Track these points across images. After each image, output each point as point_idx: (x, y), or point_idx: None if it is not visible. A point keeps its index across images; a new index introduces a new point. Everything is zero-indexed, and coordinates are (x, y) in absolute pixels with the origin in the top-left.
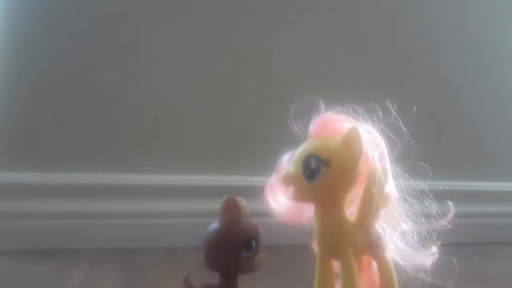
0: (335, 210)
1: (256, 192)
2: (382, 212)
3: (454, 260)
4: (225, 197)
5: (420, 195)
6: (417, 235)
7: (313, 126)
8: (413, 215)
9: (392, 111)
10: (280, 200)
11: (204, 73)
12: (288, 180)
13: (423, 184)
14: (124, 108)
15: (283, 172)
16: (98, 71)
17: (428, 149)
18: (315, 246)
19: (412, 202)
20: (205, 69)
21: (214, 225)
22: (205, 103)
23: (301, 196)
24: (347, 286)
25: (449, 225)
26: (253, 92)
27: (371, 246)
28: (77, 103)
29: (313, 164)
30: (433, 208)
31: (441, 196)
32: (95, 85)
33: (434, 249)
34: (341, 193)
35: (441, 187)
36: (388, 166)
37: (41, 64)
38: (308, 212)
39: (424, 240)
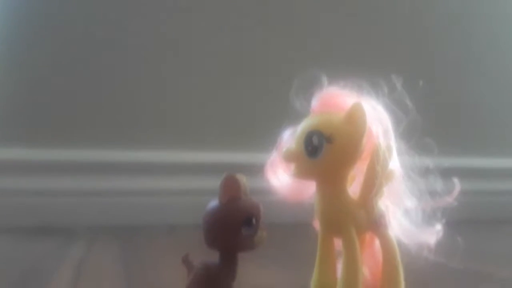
0: (338, 187)
1: (257, 170)
2: (385, 189)
3: (459, 238)
4: (225, 175)
5: (425, 172)
6: (421, 213)
7: (315, 102)
8: (418, 193)
9: (398, 85)
10: (281, 178)
11: (202, 49)
12: (289, 157)
13: (428, 161)
14: (123, 84)
15: (284, 149)
16: (99, 45)
17: (434, 125)
18: (316, 224)
19: (417, 179)
20: (204, 45)
21: (214, 203)
22: (204, 80)
23: (302, 173)
24: (349, 264)
25: (454, 202)
26: (254, 67)
27: (374, 224)
28: (78, 80)
29: (315, 140)
30: (438, 185)
31: (446, 173)
32: (94, 60)
33: (438, 227)
34: (344, 170)
35: (446, 164)
36: (393, 143)
37: (44, 37)
38: (309, 190)
39: (428, 218)
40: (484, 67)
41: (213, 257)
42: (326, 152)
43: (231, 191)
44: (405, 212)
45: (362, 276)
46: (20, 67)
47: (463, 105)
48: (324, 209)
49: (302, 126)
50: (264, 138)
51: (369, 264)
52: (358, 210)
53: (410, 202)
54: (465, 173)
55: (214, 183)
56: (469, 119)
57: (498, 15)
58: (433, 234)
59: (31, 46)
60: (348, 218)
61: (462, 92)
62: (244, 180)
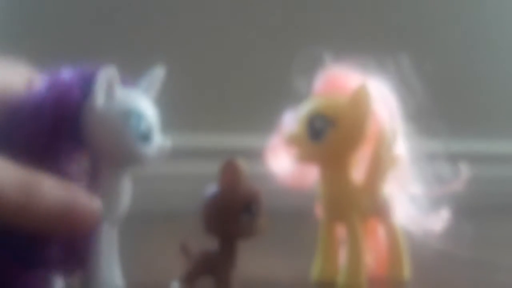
0: (341, 172)
1: (257, 154)
2: (391, 174)
3: (467, 225)
4: (225, 161)
5: (433, 156)
6: (428, 199)
7: (318, 83)
8: (424, 178)
9: (405, 64)
10: (282, 163)
11: (199, 29)
12: (291, 141)
13: (436, 145)
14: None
15: (286, 132)
16: None
17: (443, 106)
18: (318, 211)
19: (424, 164)
20: (201, 25)
21: (213, 188)
22: (201, 60)
23: (305, 157)
24: (353, 251)
25: (462, 188)
26: (253, 46)
27: (378, 210)
28: None
29: (318, 123)
30: (446, 170)
31: (455, 157)
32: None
33: (445, 213)
34: (348, 154)
35: (456, 148)
36: (399, 126)
37: None
38: (311, 175)
39: (435, 205)
40: (499, 47)
41: (212, 244)
42: (330, 136)
43: (231, 177)
44: (411, 198)
45: (365, 263)
46: None
47: (474, 85)
48: (327, 195)
49: (305, 109)
50: (265, 120)
51: (373, 251)
52: (362, 196)
53: (417, 188)
54: (475, 158)
55: (214, 167)
56: (480, 101)
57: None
58: (439, 221)
59: None
60: (352, 204)
61: (473, 71)
62: (244, 165)
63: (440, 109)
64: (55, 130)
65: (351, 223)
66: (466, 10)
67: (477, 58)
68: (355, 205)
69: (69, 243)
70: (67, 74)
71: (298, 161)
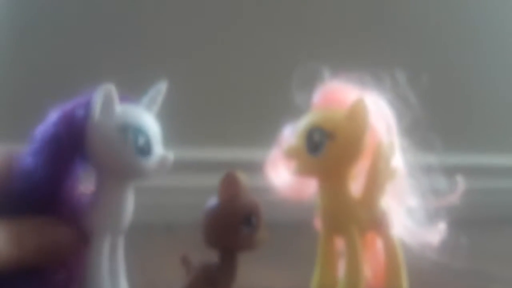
0: (340, 185)
1: (257, 167)
2: (388, 187)
3: (463, 237)
4: (225, 173)
5: (429, 169)
6: (424, 212)
7: (317, 97)
8: (421, 191)
9: (401, 80)
10: (281, 176)
11: (201, 45)
12: (290, 154)
13: (432, 158)
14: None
15: (285, 146)
16: None
17: (438, 121)
18: (317, 223)
19: (420, 177)
20: (203, 42)
21: (213, 201)
22: (203, 72)
23: (304, 170)
24: (351, 263)
25: (457, 201)
26: (253, 61)
27: (376, 223)
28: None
29: (316, 137)
30: (442, 183)
31: (450, 171)
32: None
33: (442, 226)
34: (346, 167)
35: (451, 161)
36: (396, 140)
37: None
38: (310, 188)
39: (432, 217)
40: (494, 61)
41: (212, 257)
42: (328, 149)
43: (231, 189)
44: (408, 211)
45: (364, 275)
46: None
47: (468, 100)
48: (325, 207)
49: (303, 122)
50: (265, 134)
51: (371, 263)
52: (360, 209)
53: (413, 201)
54: (470, 171)
55: (214, 181)
56: (473, 115)
57: (506, 7)
58: (436, 234)
59: None
60: (350, 216)
61: (467, 86)
62: (244, 178)
63: (435, 122)
64: (71, 153)
65: (349, 235)
66: (461, 24)
67: (472, 72)
68: (353, 217)
69: (72, 268)
70: (71, 104)
71: (296, 173)
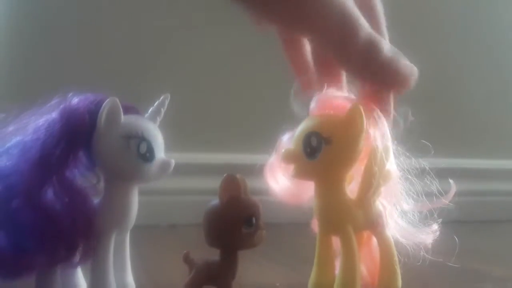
0: (336, 187)
1: (256, 170)
2: (383, 190)
3: (455, 237)
4: (225, 175)
5: (422, 173)
6: (418, 213)
7: (314, 104)
8: (414, 194)
9: None
10: (280, 181)
11: (202, 50)
12: (288, 158)
13: (424, 162)
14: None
15: (283, 150)
16: None
17: (430, 126)
18: (315, 225)
19: (414, 180)
20: (204, 47)
21: (214, 202)
22: (204, 80)
23: (301, 174)
24: (347, 262)
25: (450, 203)
26: (253, 68)
27: (372, 224)
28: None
29: (313, 141)
30: (435, 186)
31: (442, 174)
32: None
33: (435, 226)
34: (342, 171)
35: (442, 165)
36: (390, 144)
37: None
38: (308, 192)
39: (425, 218)
40: (482, 68)
41: (213, 255)
42: (325, 153)
43: (231, 190)
44: (402, 213)
45: (360, 274)
46: None
47: (459, 106)
48: (322, 209)
49: (301, 128)
50: (264, 140)
51: (367, 262)
52: (356, 210)
53: (407, 203)
54: (461, 174)
55: (215, 183)
56: (464, 121)
57: (495, 16)
58: (430, 234)
59: None
60: (346, 217)
61: (458, 92)
62: (243, 180)
63: (427, 129)
64: (64, 144)
65: (345, 235)
66: (454, 32)
67: (464, 84)
68: (349, 218)
69: (87, 244)
70: (76, 99)
71: (294, 177)
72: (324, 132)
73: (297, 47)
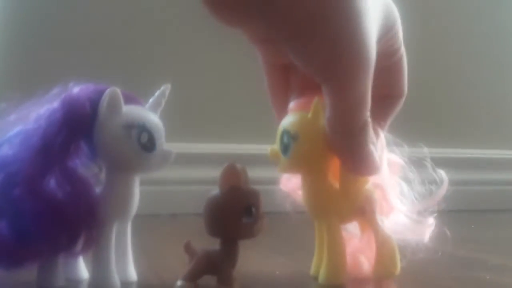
0: (317, 179)
1: (256, 160)
2: (376, 182)
3: (451, 226)
4: (225, 165)
5: (416, 162)
6: (416, 202)
7: (292, 102)
8: (409, 184)
9: None
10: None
11: (204, 43)
12: (272, 156)
13: (418, 152)
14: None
15: (269, 149)
16: None
17: (424, 116)
18: None
19: (407, 171)
20: (206, 39)
21: (215, 192)
22: (205, 71)
23: (282, 169)
24: (330, 252)
25: (448, 193)
26: (255, 58)
27: (359, 211)
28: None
29: (284, 139)
30: (428, 176)
31: (437, 164)
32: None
33: (432, 220)
34: (314, 164)
35: (437, 155)
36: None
37: None
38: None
39: (424, 207)
40: (477, 57)
41: (214, 244)
42: (294, 150)
43: (231, 180)
44: (399, 201)
45: (344, 263)
46: None
47: (453, 95)
48: (307, 199)
49: (279, 126)
50: (265, 130)
51: (367, 251)
52: (340, 199)
53: (402, 204)
54: (455, 164)
55: (215, 173)
56: (459, 109)
57: (494, 14)
58: (426, 224)
59: None
60: (329, 207)
61: (452, 81)
62: (244, 170)
63: (420, 119)
64: (66, 132)
65: (328, 223)
66: (451, 21)
67: (455, 74)
68: (332, 208)
69: (89, 233)
70: (77, 89)
71: (279, 172)
72: (292, 129)
73: (281, 74)
